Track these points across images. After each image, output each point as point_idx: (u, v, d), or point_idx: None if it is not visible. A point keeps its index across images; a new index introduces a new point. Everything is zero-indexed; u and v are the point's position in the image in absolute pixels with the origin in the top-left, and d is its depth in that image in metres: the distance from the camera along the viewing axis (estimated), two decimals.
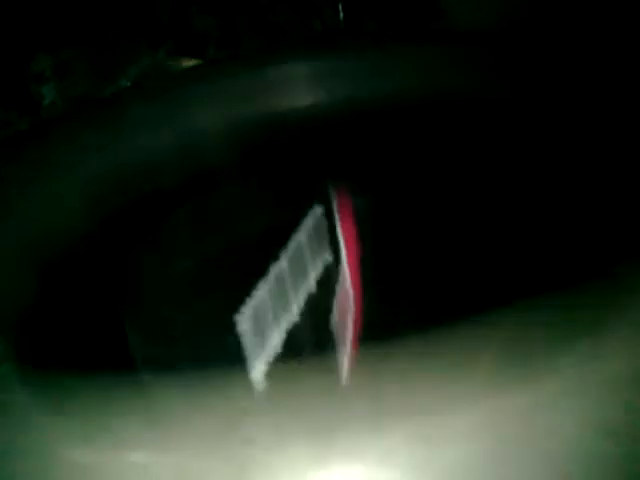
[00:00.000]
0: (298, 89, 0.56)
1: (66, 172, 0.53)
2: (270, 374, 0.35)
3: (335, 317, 0.42)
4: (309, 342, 0.40)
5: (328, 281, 0.44)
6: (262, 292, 0.39)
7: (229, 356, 0.36)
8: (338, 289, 0.44)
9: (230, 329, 0.37)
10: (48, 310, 0.42)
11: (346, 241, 0.46)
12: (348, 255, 0.46)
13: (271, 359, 0.38)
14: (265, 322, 0.39)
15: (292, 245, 0.43)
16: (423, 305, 0.40)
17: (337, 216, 0.48)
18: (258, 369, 0.37)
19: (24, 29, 0.66)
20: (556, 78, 0.52)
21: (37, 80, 0.66)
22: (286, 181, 0.53)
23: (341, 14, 1.02)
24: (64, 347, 0.38)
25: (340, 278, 0.45)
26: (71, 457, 0.21)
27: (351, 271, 0.45)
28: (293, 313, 0.42)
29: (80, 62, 0.71)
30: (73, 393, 0.25)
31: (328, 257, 0.46)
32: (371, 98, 0.55)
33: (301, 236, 0.44)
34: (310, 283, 0.44)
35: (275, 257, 0.42)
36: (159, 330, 0.42)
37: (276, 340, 0.39)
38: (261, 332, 0.38)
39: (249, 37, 0.89)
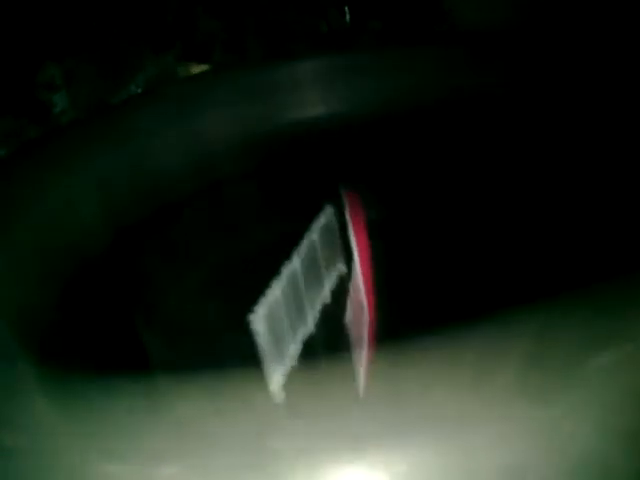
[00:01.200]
0: (309, 95, 0.56)
1: (81, 181, 0.53)
2: (288, 380, 0.35)
3: (350, 323, 0.42)
4: (325, 347, 0.41)
5: (341, 288, 0.44)
6: (276, 293, 0.39)
7: (246, 359, 0.37)
8: (352, 296, 0.44)
9: (245, 331, 0.37)
10: (69, 318, 0.42)
11: (359, 248, 0.47)
12: (361, 262, 0.46)
13: (288, 364, 0.38)
14: (280, 324, 0.39)
15: (305, 248, 0.43)
16: (439, 312, 0.41)
17: (349, 223, 0.48)
18: (276, 374, 0.37)
19: (32, 38, 0.67)
20: (563, 78, 0.53)
21: (47, 88, 0.67)
22: (300, 188, 0.53)
23: (347, 15, 1.02)
24: (85, 355, 0.39)
25: (353, 285, 0.45)
26: (100, 470, 0.22)
27: (364, 278, 0.45)
28: (308, 317, 0.42)
29: (89, 70, 0.71)
30: (97, 402, 0.25)
31: (341, 264, 0.46)
32: (381, 103, 0.56)
33: (314, 239, 0.44)
34: (324, 289, 0.44)
35: (288, 261, 0.42)
36: (176, 335, 0.42)
37: (292, 344, 0.40)
38: (276, 334, 0.38)
39: (255, 40, 0.89)
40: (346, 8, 1.01)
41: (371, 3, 1.01)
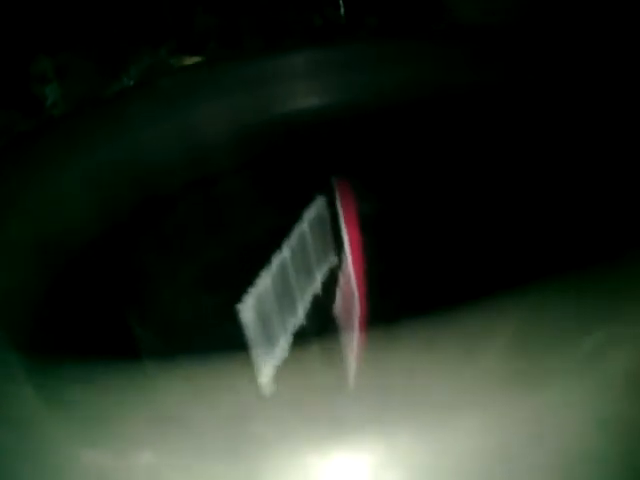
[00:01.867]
0: (302, 87, 0.56)
1: (74, 173, 0.53)
2: (275, 367, 0.35)
3: (339, 314, 0.42)
4: (314, 335, 0.41)
5: (332, 279, 0.44)
6: (265, 283, 0.39)
7: (234, 348, 0.37)
8: (342, 287, 0.44)
9: (234, 320, 0.37)
10: (58, 312, 0.42)
11: (350, 239, 0.46)
12: (352, 253, 0.46)
13: (276, 351, 0.38)
14: (269, 314, 0.39)
15: (296, 239, 0.43)
16: (429, 299, 0.40)
17: (341, 214, 0.48)
18: (263, 361, 0.37)
19: (24, 31, 0.66)
20: (562, 74, 0.52)
21: (39, 81, 0.67)
22: (293, 180, 0.53)
23: (342, 10, 1.02)
24: (72, 342, 0.38)
25: (344, 276, 0.45)
26: (80, 458, 0.22)
27: (355, 269, 0.45)
28: (297, 307, 0.42)
29: (82, 62, 0.71)
30: (79, 388, 0.25)
31: (332, 255, 0.46)
32: (374, 96, 0.55)
33: (305, 231, 0.44)
34: (314, 280, 0.44)
35: (279, 252, 0.42)
36: (166, 328, 0.42)
37: (281, 332, 0.40)
38: (265, 324, 0.38)
39: (250, 34, 0.89)
40: (341, 2, 1.01)
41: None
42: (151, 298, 0.45)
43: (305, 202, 0.48)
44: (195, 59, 0.79)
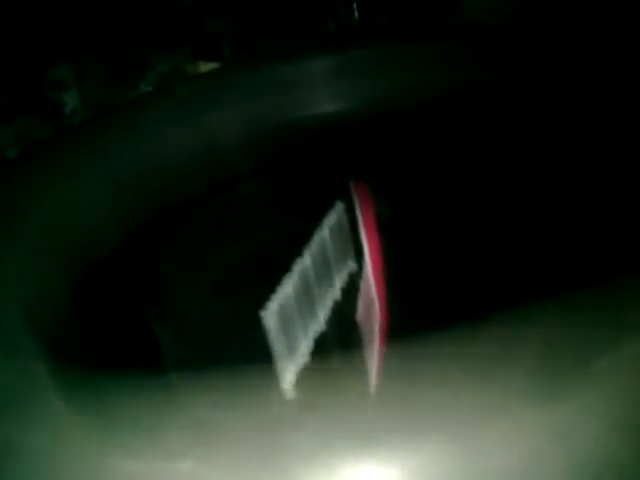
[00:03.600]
0: (316, 92, 0.57)
1: (93, 181, 0.54)
2: (301, 377, 0.36)
3: (361, 319, 0.42)
4: (336, 344, 0.41)
5: (353, 285, 0.44)
6: (287, 289, 0.39)
7: (258, 355, 0.37)
8: (363, 292, 0.44)
9: (256, 328, 0.37)
10: (81, 318, 0.42)
11: (370, 244, 0.47)
12: (372, 258, 0.46)
13: (300, 360, 0.39)
14: (291, 320, 0.39)
15: (316, 245, 0.43)
16: (450, 309, 0.41)
17: (360, 219, 0.48)
18: (288, 371, 0.38)
19: (43, 37, 0.67)
20: (570, 75, 0.52)
21: (58, 87, 0.67)
22: (310, 186, 0.53)
23: (355, 12, 1.02)
24: (99, 351, 0.39)
25: (365, 281, 0.45)
26: (117, 466, 0.22)
27: (375, 274, 0.45)
28: (319, 314, 0.42)
29: (99, 69, 0.71)
30: (113, 399, 0.26)
31: (352, 262, 0.46)
32: (387, 100, 0.56)
33: (325, 236, 0.44)
34: (335, 286, 0.44)
35: (299, 258, 0.42)
36: (189, 334, 0.42)
37: (304, 341, 0.40)
38: (288, 330, 0.39)
39: (264, 37, 0.90)
40: (354, 5, 1.01)
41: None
42: (172, 304, 0.46)
43: (323, 207, 0.48)
44: (210, 65, 0.80)
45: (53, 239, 0.48)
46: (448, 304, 0.42)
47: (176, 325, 0.43)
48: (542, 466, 0.23)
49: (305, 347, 0.40)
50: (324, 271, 0.44)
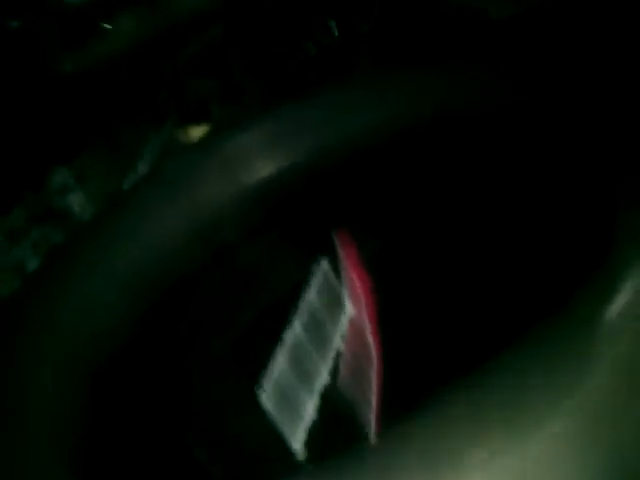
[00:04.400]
0: (283, 147, 0.59)
1: (103, 278, 0.57)
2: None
3: (359, 364, 0.44)
4: (338, 399, 0.43)
5: (348, 336, 0.46)
6: (279, 363, 0.41)
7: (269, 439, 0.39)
8: (359, 340, 0.46)
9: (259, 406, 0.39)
10: (104, 420, 0.45)
11: (360, 289, 0.48)
12: (364, 302, 0.48)
13: (308, 419, 0.41)
14: (291, 390, 0.41)
15: (304, 308, 0.46)
16: (445, 353, 0.42)
17: (347, 267, 0.49)
18: (297, 434, 0.40)
19: (37, 150, 0.71)
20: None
21: (62, 192, 0.71)
22: (299, 241, 0.55)
23: (335, 31, 1.03)
24: (127, 460, 0.42)
25: (358, 326, 0.47)
26: None
27: (369, 317, 0.47)
28: (322, 370, 0.44)
29: (97, 161, 0.75)
30: None
31: (344, 311, 0.48)
32: (363, 135, 0.57)
33: (311, 298, 0.46)
34: (334, 340, 0.46)
35: (289, 327, 0.44)
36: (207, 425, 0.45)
37: (309, 400, 0.42)
38: (289, 400, 0.41)
39: (249, 83, 0.92)
40: (333, 23, 1.02)
41: (359, 6, 1.01)
42: (186, 389, 0.49)
43: (309, 261, 0.50)
44: (200, 127, 0.83)
45: (72, 340, 0.52)
46: (446, 349, 0.44)
47: (198, 424, 0.46)
48: None
49: (311, 406, 0.42)
50: (318, 330, 0.46)
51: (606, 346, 0.26)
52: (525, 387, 0.26)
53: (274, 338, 0.43)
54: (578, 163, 0.45)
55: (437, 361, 0.43)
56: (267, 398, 0.39)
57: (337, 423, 0.42)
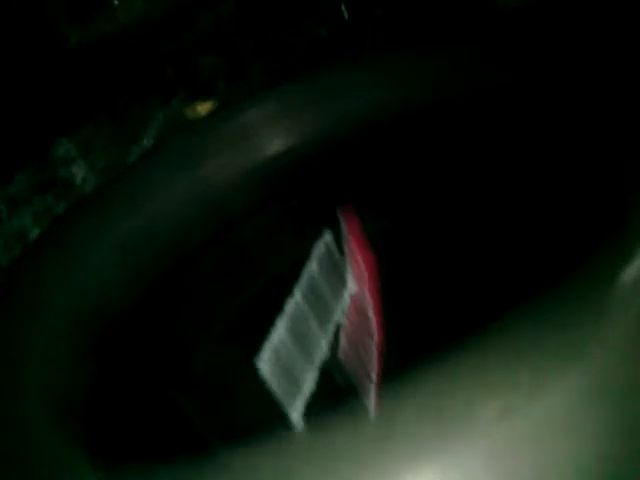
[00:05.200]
0: (292, 122, 0.58)
1: (106, 249, 0.57)
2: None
3: (359, 342, 0.44)
4: (339, 373, 0.42)
5: (349, 309, 0.46)
6: (279, 332, 0.41)
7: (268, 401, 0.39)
8: (360, 312, 0.46)
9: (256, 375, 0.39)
10: (109, 390, 0.45)
11: (363, 264, 0.48)
12: (366, 278, 0.47)
13: (307, 391, 0.41)
14: (289, 360, 0.41)
15: (305, 279, 0.45)
16: (443, 319, 0.42)
17: (351, 243, 0.49)
18: (296, 406, 0.40)
19: (40, 119, 0.71)
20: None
21: (64, 163, 0.71)
22: (304, 215, 0.55)
23: (345, 14, 1.02)
24: (132, 428, 0.41)
25: (360, 301, 0.46)
26: None
27: (371, 293, 0.46)
28: (322, 343, 0.44)
29: (101, 133, 0.75)
30: None
31: (350, 283, 0.47)
32: (367, 115, 0.57)
33: (313, 269, 0.46)
34: (334, 313, 0.46)
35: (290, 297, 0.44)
36: (208, 394, 0.45)
37: (309, 372, 0.42)
38: (287, 370, 0.40)
39: (257, 63, 0.91)
40: (343, 6, 1.02)
41: None
42: (188, 361, 0.48)
43: (313, 236, 0.49)
44: (207, 104, 0.82)
45: (75, 310, 0.51)
46: (442, 314, 0.43)
47: (196, 386, 0.46)
48: None
49: (311, 377, 0.42)
50: (319, 302, 0.45)
51: (621, 306, 0.26)
52: (537, 344, 0.25)
53: (277, 310, 0.43)
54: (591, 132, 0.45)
55: (442, 337, 0.43)
56: (264, 364, 0.38)
57: (336, 396, 0.41)
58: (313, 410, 0.40)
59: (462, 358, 0.26)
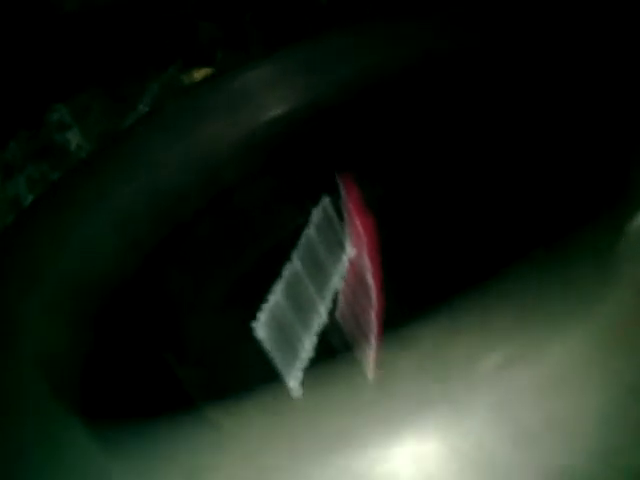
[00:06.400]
0: (284, 90, 0.57)
1: (101, 216, 0.56)
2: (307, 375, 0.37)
3: (357, 307, 0.43)
4: (340, 335, 0.42)
5: (348, 275, 0.45)
6: (277, 296, 0.40)
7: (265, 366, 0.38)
8: (359, 279, 0.45)
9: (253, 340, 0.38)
10: (106, 358, 0.44)
11: (362, 233, 0.47)
12: (365, 244, 0.47)
13: (305, 358, 0.40)
14: (286, 325, 0.40)
15: (303, 244, 0.44)
16: (440, 289, 0.41)
17: (349, 209, 0.48)
18: (294, 372, 0.39)
19: (35, 84, 0.70)
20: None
21: (59, 129, 0.70)
22: (301, 183, 0.54)
23: None
24: (128, 394, 0.41)
25: (359, 267, 0.46)
26: None
27: (370, 258, 0.46)
28: (320, 309, 0.43)
29: (96, 100, 0.74)
30: (157, 448, 0.27)
31: (348, 248, 0.47)
32: (360, 82, 0.56)
33: (311, 234, 0.45)
34: (332, 278, 0.45)
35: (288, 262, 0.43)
36: (205, 360, 0.44)
37: (306, 338, 0.41)
38: (284, 335, 0.40)
39: (256, 32, 0.90)
40: None
41: None
42: (186, 328, 0.48)
43: (311, 203, 0.49)
44: (204, 70, 0.81)
45: (71, 279, 0.50)
46: (442, 281, 0.42)
47: (190, 350, 0.45)
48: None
49: (309, 344, 0.41)
50: (317, 268, 0.45)
51: (628, 265, 0.25)
52: (543, 296, 0.25)
53: (275, 277, 0.43)
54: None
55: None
56: (261, 327, 0.38)
57: (335, 359, 0.41)
58: (311, 374, 0.39)
59: (463, 312, 0.26)
